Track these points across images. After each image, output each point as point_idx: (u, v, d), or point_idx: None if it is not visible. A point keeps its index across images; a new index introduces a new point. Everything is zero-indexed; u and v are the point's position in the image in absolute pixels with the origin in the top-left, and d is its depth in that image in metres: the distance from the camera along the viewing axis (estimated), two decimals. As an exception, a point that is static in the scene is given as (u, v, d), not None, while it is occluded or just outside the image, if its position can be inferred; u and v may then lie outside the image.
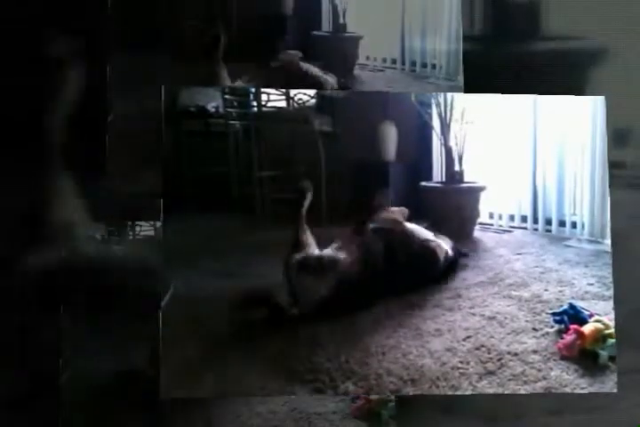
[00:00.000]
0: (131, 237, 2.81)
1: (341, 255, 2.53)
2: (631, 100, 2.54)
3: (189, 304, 2.52)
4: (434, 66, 3.20)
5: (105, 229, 2.39)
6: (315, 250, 2.54)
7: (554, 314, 2.37)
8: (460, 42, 2.63)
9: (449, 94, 3.93)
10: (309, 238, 2.57)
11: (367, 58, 3.20)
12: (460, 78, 2.90)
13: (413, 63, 3.17)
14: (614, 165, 2.62)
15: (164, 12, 3.64)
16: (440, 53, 3.09)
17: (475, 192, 4.03)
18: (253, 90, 5.00)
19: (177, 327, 2.24)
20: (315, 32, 3.15)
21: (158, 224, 2.31)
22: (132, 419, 2.01)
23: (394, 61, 3.25)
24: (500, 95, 3.87)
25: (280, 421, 2.05)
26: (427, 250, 2.89)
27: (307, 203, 2.64)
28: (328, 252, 2.53)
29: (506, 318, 2.43)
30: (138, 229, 2.50)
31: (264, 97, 5.02)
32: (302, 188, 2.68)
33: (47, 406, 1.96)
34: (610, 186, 2.55)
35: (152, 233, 2.88)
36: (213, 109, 5.59)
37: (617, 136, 2.68)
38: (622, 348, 2.17)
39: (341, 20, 3.08)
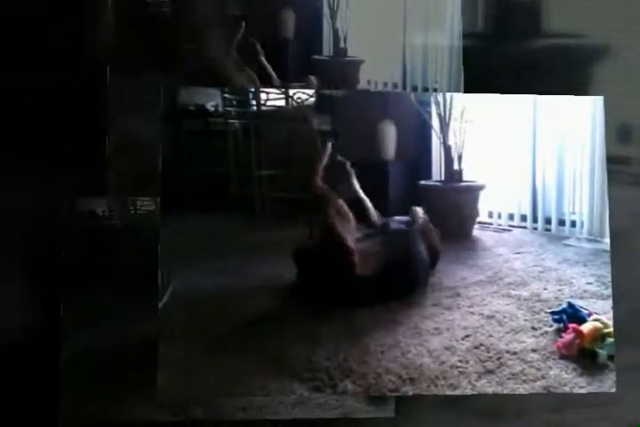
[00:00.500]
0: (132, 212, 2.79)
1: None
2: (633, 98, 2.53)
3: (189, 304, 2.51)
4: (435, 89, 3.21)
5: (106, 205, 2.37)
6: None
7: (553, 313, 2.37)
8: (460, 68, 2.63)
9: (448, 94, 3.94)
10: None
11: (368, 82, 3.22)
12: (460, 102, 2.91)
13: (415, 88, 3.17)
14: (618, 162, 2.61)
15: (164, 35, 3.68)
16: (441, 78, 3.10)
17: (474, 191, 4.04)
18: (253, 89, 5.02)
19: (175, 327, 2.24)
20: (315, 56, 3.15)
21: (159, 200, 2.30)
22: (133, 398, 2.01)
23: (395, 85, 3.26)
24: (499, 95, 3.88)
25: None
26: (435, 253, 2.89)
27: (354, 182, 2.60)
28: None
29: (505, 316, 2.44)
30: (139, 204, 2.49)
31: (263, 96, 5.04)
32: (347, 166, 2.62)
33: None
34: (613, 183, 2.54)
35: (152, 208, 2.85)
36: (213, 108, 5.61)
37: (621, 133, 2.67)
38: (621, 346, 2.17)
39: (342, 45, 3.09)
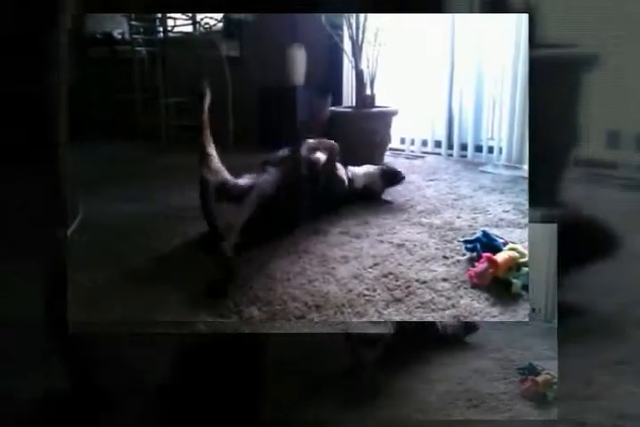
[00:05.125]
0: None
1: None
2: (622, 103, 2.52)
3: (98, 230, 2.50)
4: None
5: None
6: (217, 163, 2.40)
7: (466, 242, 2.30)
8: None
9: (361, 15, 3.82)
10: (213, 150, 2.43)
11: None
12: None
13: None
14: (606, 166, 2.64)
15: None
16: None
17: (386, 117, 3.97)
18: (160, 15, 4.88)
19: (86, 253, 2.20)
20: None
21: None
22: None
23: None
24: (416, 15, 3.77)
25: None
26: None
27: (207, 105, 2.47)
28: (245, 179, 2.39)
29: (415, 245, 2.38)
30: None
31: (170, 22, 4.91)
32: (200, 89, 2.49)
33: None
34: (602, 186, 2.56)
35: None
36: (120, 36, 5.48)
37: (609, 138, 2.69)
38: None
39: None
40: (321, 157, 2.76)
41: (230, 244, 2.17)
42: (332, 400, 1.78)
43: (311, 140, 2.82)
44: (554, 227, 2.06)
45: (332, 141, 2.90)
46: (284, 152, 2.68)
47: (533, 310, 2.23)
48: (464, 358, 2.06)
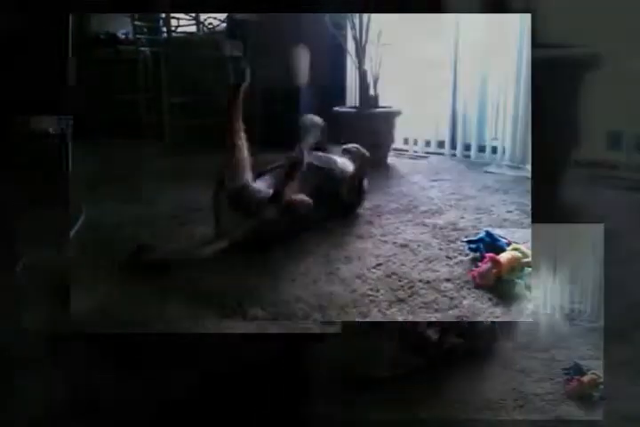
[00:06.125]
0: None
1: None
2: (623, 105, 2.52)
3: (101, 231, 2.50)
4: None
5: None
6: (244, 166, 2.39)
7: (469, 242, 2.30)
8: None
9: (365, 15, 3.82)
10: (242, 149, 2.48)
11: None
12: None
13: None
14: (607, 167, 2.65)
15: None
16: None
17: (389, 117, 3.98)
18: (163, 15, 4.88)
19: (89, 254, 2.21)
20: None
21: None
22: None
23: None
24: (419, 15, 3.77)
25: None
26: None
27: (243, 89, 2.48)
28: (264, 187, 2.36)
29: (419, 245, 2.38)
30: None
31: (174, 22, 4.91)
32: (241, 69, 2.41)
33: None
34: (604, 187, 2.56)
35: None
36: (123, 36, 5.48)
37: (611, 139, 2.69)
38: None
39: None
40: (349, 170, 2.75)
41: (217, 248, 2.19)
42: (378, 400, 1.80)
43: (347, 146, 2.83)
44: (600, 227, 2.06)
45: (365, 151, 2.86)
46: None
47: (579, 311, 2.25)
48: (510, 358, 2.07)
